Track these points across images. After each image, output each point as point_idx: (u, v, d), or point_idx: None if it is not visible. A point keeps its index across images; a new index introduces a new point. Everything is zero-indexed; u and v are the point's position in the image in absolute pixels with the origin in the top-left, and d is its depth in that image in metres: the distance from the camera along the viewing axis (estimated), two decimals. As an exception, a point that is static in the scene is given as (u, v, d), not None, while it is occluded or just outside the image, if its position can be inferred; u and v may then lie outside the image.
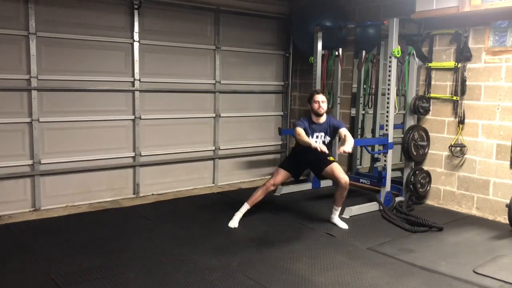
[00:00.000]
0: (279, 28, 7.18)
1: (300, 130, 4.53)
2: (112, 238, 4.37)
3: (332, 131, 4.70)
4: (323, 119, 4.69)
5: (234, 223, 4.71)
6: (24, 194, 5.22)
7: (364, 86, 6.68)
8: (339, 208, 4.88)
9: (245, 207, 4.76)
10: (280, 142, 7.47)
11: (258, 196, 4.71)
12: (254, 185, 6.35)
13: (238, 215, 4.75)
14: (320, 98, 4.60)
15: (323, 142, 4.61)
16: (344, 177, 4.64)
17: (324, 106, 4.61)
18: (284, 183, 6.51)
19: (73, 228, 4.69)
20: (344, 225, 4.79)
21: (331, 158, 4.72)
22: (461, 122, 5.38)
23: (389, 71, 5.35)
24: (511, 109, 5.00)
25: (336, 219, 4.87)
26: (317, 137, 4.66)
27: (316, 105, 4.61)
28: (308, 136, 4.54)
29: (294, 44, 7.12)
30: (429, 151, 5.71)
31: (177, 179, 6.30)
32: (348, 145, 4.30)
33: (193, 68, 6.32)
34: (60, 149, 5.37)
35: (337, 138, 5.19)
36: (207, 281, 3.46)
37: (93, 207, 5.42)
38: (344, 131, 4.60)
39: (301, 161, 4.84)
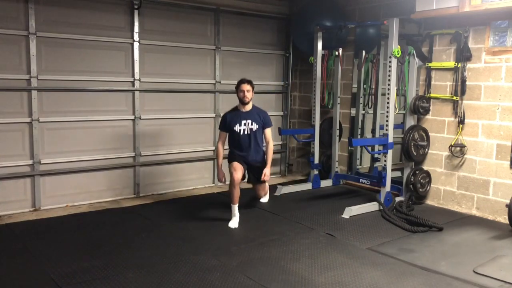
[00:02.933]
0: (279, 28, 7.18)
1: (218, 149, 5.00)
2: (112, 238, 4.37)
3: (261, 121, 4.95)
4: (249, 107, 4.93)
5: (234, 223, 4.76)
6: (24, 194, 5.22)
7: (364, 86, 6.68)
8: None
9: (235, 208, 4.82)
10: (280, 142, 7.47)
11: (236, 192, 4.76)
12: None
13: (236, 216, 4.81)
14: (245, 87, 4.82)
15: (251, 130, 4.89)
16: (261, 194, 5.34)
17: (248, 95, 4.83)
18: (283, 183, 6.56)
19: (73, 228, 4.69)
20: (265, 199, 5.45)
21: (267, 179, 5.00)
22: (461, 122, 5.38)
23: (389, 71, 5.36)
24: (511, 109, 5.00)
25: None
26: (244, 124, 4.88)
27: (241, 94, 4.84)
28: (236, 124, 4.87)
29: (294, 44, 7.12)
30: (429, 151, 5.71)
31: (177, 179, 6.30)
32: (267, 169, 4.90)
33: (193, 68, 6.32)
34: (60, 149, 5.37)
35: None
36: (207, 281, 3.46)
37: (93, 207, 5.42)
38: (268, 133, 5.02)
39: (243, 158, 4.97)
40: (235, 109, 4.99)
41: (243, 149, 4.93)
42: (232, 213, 4.82)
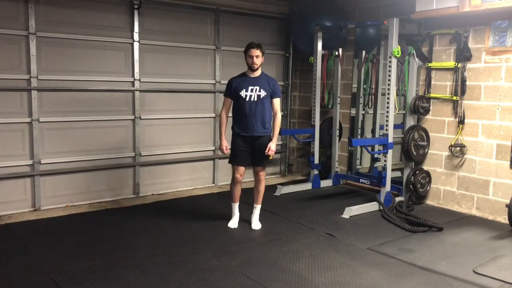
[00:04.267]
0: (279, 28, 7.18)
1: (222, 117, 4.63)
2: (112, 238, 4.37)
3: (271, 89, 4.57)
4: (258, 73, 4.58)
5: (234, 223, 4.73)
6: (24, 194, 5.22)
7: (364, 86, 6.68)
8: (259, 206, 4.81)
9: (235, 206, 4.76)
10: (280, 142, 7.47)
11: (237, 190, 4.68)
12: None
13: (236, 216, 4.78)
14: (255, 52, 4.45)
15: (258, 96, 4.50)
16: (263, 177, 4.76)
17: (258, 62, 4.48)
18: (283, 183, 6.56)
19: (73, 228, 4.69)
20: (257, 226, 4.73)
21: (271, 157, 4.66)
22: (461, 122, 5.38)
23: (389, 71, 5.36)
24: (511, 109, 5.00)
25: (254, 217, 4.79)
26: (251, 90, 4.50)
27: (250, 60, 4.49)
28: (243, 89, 4.50)
29: (294, 44, 7.12)
30: (429, 151, 5.70)
31: (177, 179, 6.30)
32: (273, 143, 4.55)
33: (193, 68, 6.32)
34: (60, 149, 5.37)
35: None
36: (207, 281, 3.46)
37: (93, 207, 5.42)
38: (277, 104, 4.64)
39: (244, 147, 4.60)
40: (243, 75, 4.63)
41: (248, 119, 4.51)
42: (232, 212, 4.77)
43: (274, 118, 4.68)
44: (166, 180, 6.21)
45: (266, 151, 4.53)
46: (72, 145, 5.44)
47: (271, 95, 4.59)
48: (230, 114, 4.70)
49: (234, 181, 4.66)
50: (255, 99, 4.51)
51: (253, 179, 4.81)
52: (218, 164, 6.69)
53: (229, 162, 4.72)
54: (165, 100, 6.10)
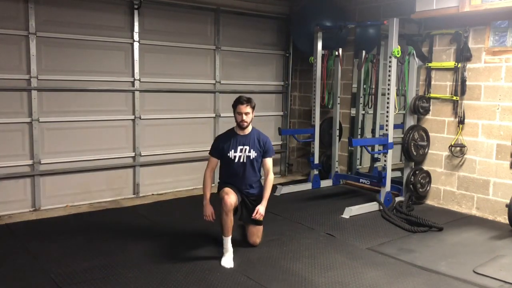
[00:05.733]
0: (279, 28, 7.18)
1: (206, 179, 4.09)
2: (112, 238, 4.37)
3: (262, 148, 4.10)
4: (248, 130, 4.09)
5: (228, 261, 3.82)
6: (24, 194, 5.22)
7: (364, 86, 6.68)
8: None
9: (227, 241, 3.89)
10: (280, 142, 7.47)
11: (229, 221, 3.87)
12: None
13: (229, 252, 3.88)
14: (244, 109, 3.95)
15: (248, 158, 4.05)
16: (256, 242, 4.21)
17: (247, 119, 3.99)
18: (283, 183, 6.56)
19: (73, 228, 4.69)
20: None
21: (258, 218, 4.06)
22: (461, 122, 5.38)
23: (389, 71, 5.36)
24: (511, 109, 5.00)
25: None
26: (241, 150, 4.05)
27: (239, 117, 4.00)
28: (231, 150, 4.04)
29: (294, 44, 7.12)
30: (429, 151, 5.70)
31: (177, 179, 6.30)
32: (262, 206, 3.99)
33: (193, 68, 6.32)
34: (60, 149, 5.37)
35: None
36: (207, 281, 3.46)
37: (93, 207, 5.42)
38: (268, 163, 4.13)
39: (237, 189, 4.11)
40: (231, 131, 4.15)
41: (236, 180, 4.09)
42: (224, 248, 3.89)
43: (265, 179, 4.12)
44: (166, 180, 6.21)
45: (254, 215, 3.98)
46: (72, 145, 5.44)
47: (263, 155, 4.13)
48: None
49: (224, 208, 3.86)
50: (244, 160, 4.07)
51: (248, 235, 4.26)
52: (218, 164, 6.66)
53: (218, 189, 4.18)
54: (165, 100, 6.10)
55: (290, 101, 7.48)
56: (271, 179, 4.10)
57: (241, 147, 4.07)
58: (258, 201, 4.08)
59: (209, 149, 4.22)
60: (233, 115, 4.10)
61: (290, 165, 7.61)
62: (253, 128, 4.15)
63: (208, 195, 4.06)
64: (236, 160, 4.06)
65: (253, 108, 4.03)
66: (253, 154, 4.07)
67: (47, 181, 5.33)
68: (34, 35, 5.05)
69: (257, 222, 4.16)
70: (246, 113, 3.98)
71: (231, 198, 3.89)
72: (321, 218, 5.11)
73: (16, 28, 4.98)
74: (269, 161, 4.15)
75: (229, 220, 3.87)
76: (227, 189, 4.00)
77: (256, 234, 4.21)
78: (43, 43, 5.14)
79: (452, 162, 5.54)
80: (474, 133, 5.31)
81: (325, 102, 6.64)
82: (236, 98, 4.04)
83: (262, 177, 4.23)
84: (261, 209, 4.00)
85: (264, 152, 4.13)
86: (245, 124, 4.02)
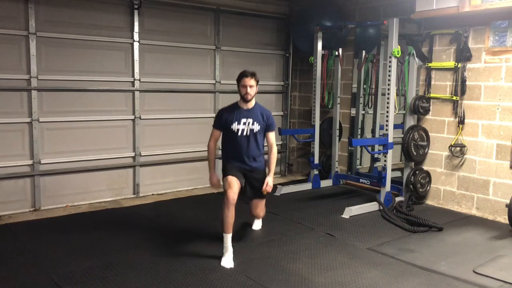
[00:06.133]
0: (279, 28, 7.18)
1: (210, 149, 4.22)
2: (112, 238, 4.37)
3: (265, 122, 4.17)
4: (251, 104, 4.13)
5: (228, 261, 3.81)
6: (24, 194, 5.22)
7: (364, 86, 6.68)
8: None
9: (227, 238, 3.87)
10: (280, 142, 7.47)
11: (230, 217, 3.86)
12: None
13: (229, 251, 3.86)
14: (248, 82, 4.00)
15: (251, 131, 4.09)
16: (260, 215, 4.48)
17: (251, 92, 4.03)
18: (283, 183, 6.56)
19: (73, 228, 4.69)
20: (257, 226, 4.69)
21: (265, 192, 4.16)
22: (461, 122, 5.38)
23: (389, 71, 5.36)
24: (511, 109, 5.00)
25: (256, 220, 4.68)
26: (244, 123, 4.08)
27: (243, 90, 4.04)
28: (234, 122, 4.08)
29: (294, 44, 7.12)
30: (429, 151, 5.70)
31: (177, 179, 6.30)
32: (270, 178, 4.10)
33: (193, 68, 6.32)
34: (60, 149, 5.37)
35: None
36: (207, 281, 3.46)
37: (93, 207, 5.42)
38: (272, 137, 4.23)
39: (238, 167, 4.16)
40: (234, 105, 4.18)
41: (239, 154, 4.12)
42: (224, 247, 3.86)
43: (269, 153, 4.22)
44: (166, 180, 6.21)
45: (264, 187, 4.08)
46: (72, 145, 5.44)
47: (265, 129, 4.19)
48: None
49: (226, 202, 3.85)
50: (248, 133, 4.10)
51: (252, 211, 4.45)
52: (218, 164, 6.65)
53: (223, 170, 4.24)
54: (165, 100, 6.10)
55: (290, 101, 7.48)
56: (275, 153, 4.22)
57: (245, 120, 4.10)
58: (263, 177, 4.16)
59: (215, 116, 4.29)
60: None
61: (290, 165, 7.62)
62: (256, 102, 4.20)
63: (213, 165, 4.23)
64: (240, 133, 4.10)
65: (257, 82, 4.09)
66: (256, 127, 4.12)
67: (47, 181, 5.33)
68: (34, 35, 5.05)
69: (261, 196, 4.27)
70: (250, 86, 4.03)
71: (233, 192, 3.89)
72: (321, 218, 5.11)
73: (16, 28, 4.98)
74: (272, 135, 4.25)
75: (230, 215, 3.86)
76: (230, 180, 3.99)
77: (260, 206, 4.35)
78: (43, 43, 5.14)
79: (452, 162, 5.54)
80: (474, 133, 5.31)
81: (325, 102, 6.64)
82: (240, 72, 4.10)
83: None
84: (270, 181, 4.09)
85: (267, 126, 4.20)
86: (249, 97, 4.06)
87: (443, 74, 5.57)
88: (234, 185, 3.95)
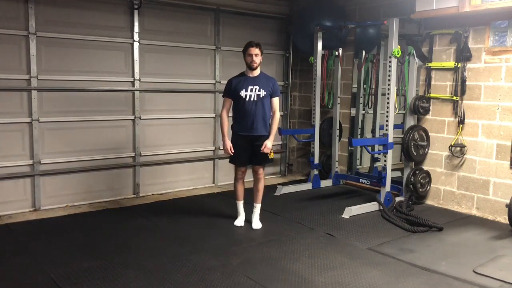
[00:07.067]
0: (279, 28, 7.18)
1: (223, 118, 4.62)
2: (112, 238, 4.37)
3: (270, 88, 4.58)
4: (257, 72, 4.58)
5: (240, 221, 4.79)
6: (24, 194, 5.22)
7: (364, 86, 6.68)
8: (259, 205, 4.81)
9: (240, 205, 4.81)
10: (280, 142, 7.47)
11: (240, 188, 4.76)
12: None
13: (242, 214, 4.82)
14: (254, 51, 4.46)
15: (258, 96, 4.50)
16: (259, 186, 4.75)
17: (257, 60, 4.49)
18: (283, 183, 6.56)
19: (73, 228, 4.69)
20: (257, 225, 4.74)
21: (271, 156, 4.68)
22: (461, 122, 5.38)
23: (389, 71, 5.36)
24: (511, 109, 5.00)
25: (254, 217, 4.79)
26: (251, 90, 4.50)
27: (249, 58, 4.50)
28: (242, 89, 4.49)
29: (294, 44, 7.12)
30: (429, 151, 5.70)
31: (177, 179, 6.30)
32: (269, 141, 4.53)
33: (193, 68, 6.32)
34: (60, 149, 5.37)
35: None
36: (207, 281, 3.46)
37: (93, 207, 5.42)
38: (276, 103, 4.64)
39: (244, 147, 4.62)
40: (242, 74, 4.63)
41: (248, 119, 4.53)
42: (237, 211, 4.81)
43: (272, 117, 4.66)
44: (166, 180, 6.21)
45: (262, 149, 4.51)
46: (72, 145, 5.44)
47: (271, 94, 4.60)
48: (230, 114, 4.69)
49: (236, 178, 4.75)
50: (255, 99, 4.51)
51: (253, 178, 4.80)
52: (218, 164, 6.69)
53: (230, 161, 4.76)
54: (165, 100, 6.10)
55: (290, 101, 7.48)
56: (277, 118, 4.66)
57: (252, 86, 4.52)
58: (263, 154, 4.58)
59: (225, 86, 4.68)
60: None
61: (290, 165, 7.62)
62: (261, 71, 4.64)
63: (225, 132, 4.62)
64: (247, 98, 4.51)
65: (261, 51, 4.53)
66: (262, 93, 4.53)
67: (47, 181, 5.33)
68: (34, 35, 5.05)
69: (261, 163, 4.69)
70: (256, 55, 4.47)
71: (241, 169, 4.67)
72: (321, 218, 5.11)
73: (16, 28, 4.98)
74: (276, 100, 4.66)
75: (240, 187, 4.75)
76: (237, 161, 4.63)
77: (260, 173, 4.73)
78: (43, 43, 5.14)
79: (452, 162, 5.54)
80: (474, 133, 5.31)
81: (325, 102, 6.64)
82: (246, 43, 4.54)
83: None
84: (268, 143, 4.53)
85: (272, 92, 4.61)
86: (255, 64, 4.51)
87: (443, 74, 5.57)
88: (240, 168, 4.68)
